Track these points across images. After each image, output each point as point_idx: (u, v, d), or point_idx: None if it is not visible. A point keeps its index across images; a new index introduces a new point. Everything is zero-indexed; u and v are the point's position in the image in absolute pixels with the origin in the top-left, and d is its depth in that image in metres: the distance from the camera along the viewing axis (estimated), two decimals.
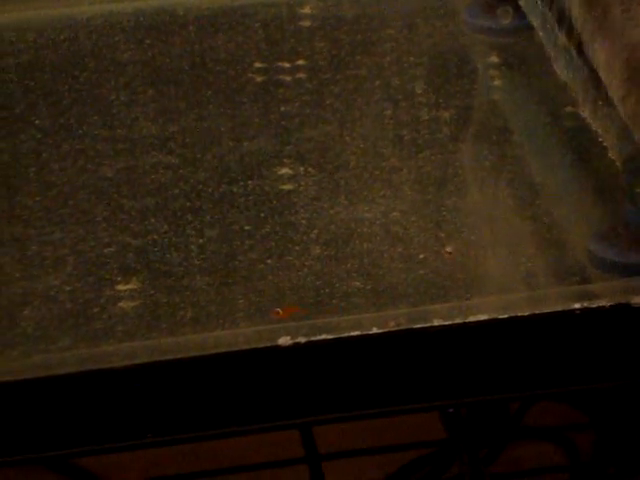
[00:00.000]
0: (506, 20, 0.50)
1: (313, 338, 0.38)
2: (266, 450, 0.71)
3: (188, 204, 0.44)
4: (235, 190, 0.44)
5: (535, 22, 0.48)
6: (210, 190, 0.44)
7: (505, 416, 0.82)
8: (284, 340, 0.38)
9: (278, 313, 0.38)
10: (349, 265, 0.42)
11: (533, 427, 0.81)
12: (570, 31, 0.41)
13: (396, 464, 0.78)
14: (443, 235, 0.43)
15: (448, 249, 0.40)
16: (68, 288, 0.41)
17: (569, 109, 0.46)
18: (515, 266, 0.42)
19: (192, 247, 0.42)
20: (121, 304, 0.40)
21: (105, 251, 0.42)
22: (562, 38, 0.44)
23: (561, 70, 0.45)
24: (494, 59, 0.50)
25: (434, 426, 0.82)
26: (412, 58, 0.50)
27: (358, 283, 0.41)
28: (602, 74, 0.39)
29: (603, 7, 0.38)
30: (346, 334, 0.38)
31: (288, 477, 0.72)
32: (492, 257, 0.42)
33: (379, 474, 0.77)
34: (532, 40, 0.49)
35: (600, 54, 0.38)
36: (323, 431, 0.67)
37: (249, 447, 0.72)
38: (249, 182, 0.45)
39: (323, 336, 0.38)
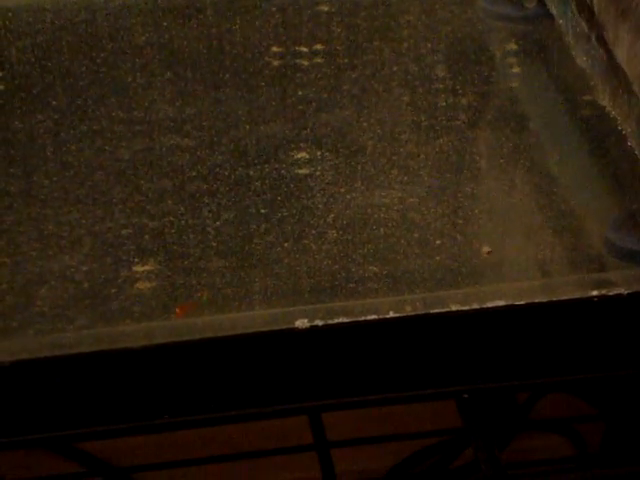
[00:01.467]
0: (525, 7, 0.50)
1: (330, 321, 0.38)
2: (275, 437, 0.72)
3: (205, 187, 0.44)
4: (251, 173, 0.44)
5: (554, 9, 0.48)
6: (226, 173, 0.44)
7: (513, 407, 0.82)
8: (301, 323, 0.38)
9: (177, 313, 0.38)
10: (365, 250, 0.42)
11: (541, 419, 0.81)
12: (590, 18, 0.41)
13: (405, 452, 0.78)
14: (460, 222, 0.43)
15: (486, 249, 0.40)
16: (85, 268, 0.41)
17: (588, 97, 0.46)
18: (533, 253, 0.42)
19: (209, 229, 0.42)
20: (138, 285, 0.40)
21: (122, 232, 0.42)
22: (582, 25, 0.43)
23: (580, 58, 0.45)
24: (512, 46, 0.50)
25: (445, 414, 0.82)
26: (430, 44, 0.50)
27: (374, 268, 0.41)
28: (623, 62, 0.38)
29: None
30: (363, 318, 0.38)
31: (297, 464, 0.72)
32: (509, 244, 0.42)
33: (388, 462, 0.77)
34: (551, 28, 0.49)
35: (623, 41, 0.38)
36: (333, 418, 0.67)
37: (259, 433, 0.71)
38: (265, 165, 0.45)
39: (340, 319, 0.38)
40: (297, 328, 0.38)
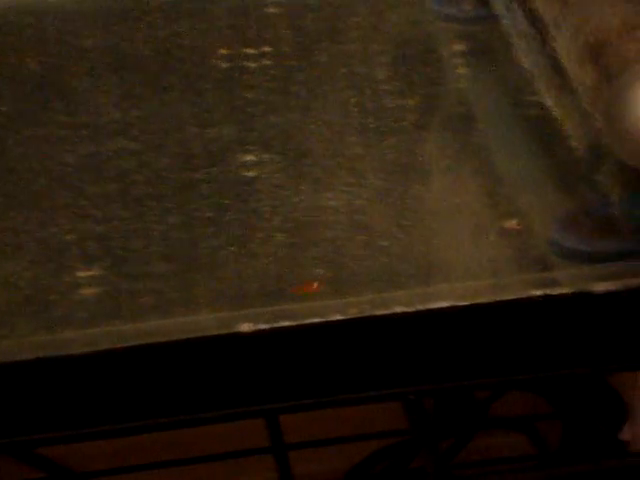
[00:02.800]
0: (473, 8, 0.50)
1: (275, 325, 0.38)
2: (231, 440, 0.71)
3: (150, 190, 0.43)
4: (198, 177, 0.44)
5: (500, 10, 0.48)
6: (173, 176, 0.44)
7: (472, 406, 0.82)
8: (246, 326, 0.38)
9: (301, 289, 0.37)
10: (312, 252, 0.42)
11: (501, 417, 0.81)
12: (533, 18, 0.41)
13: (365, 452, 0.78)
14: (407, 223, 0.43)
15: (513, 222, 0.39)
16: (28, 274, 0.40)
17: (533, 97, 0.46)
18: (478, 254, 0.42)
19: (154, 234, 0.42)
20: (82, 291, 0.40)
21: (66, 238, 0.41)
22: (525, 25, 0.44)
23: (525, 58, 0.45)
24: (460, 47, 0.50)
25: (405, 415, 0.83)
26: (378, 46, 0.50)
27: (321, 270, 0.41)
28: (564, 61, 0.39)
29: None
30: (308, 321, 0.38)
31: (254, 467, 0.71)
32: (455, 245, 0.43)
33: (347, 463, 0.77)
34: (497, 28, 0.49)
35: (562, 41, 0.39)
36: (291, 421, 0.67)
37: (214, 437, 0.71)
38: (212, 169, 0.45)
39: (285, 323, 0.38)
40: (242, 332, 0.38)
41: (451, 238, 0.43)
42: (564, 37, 0.39)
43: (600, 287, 0.38)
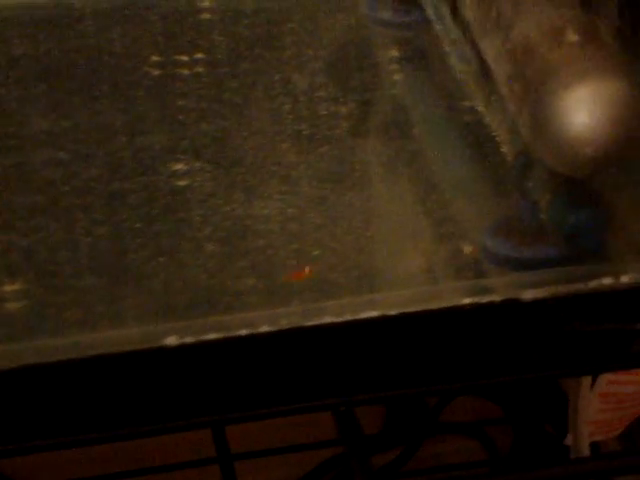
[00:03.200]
0: (407, 13, 0.50)
1: (201, 337, 0.38)
2: (178, 451, 0.71)
3: (78, 201, 0.43)
4: (127, 186, 0.43)
5: (433, 15, 0.48)
6: (101, 187, 0.43)
7: (423, 412, 0.82)
8: (171, 340, 0.37)
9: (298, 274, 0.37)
10: (243, 262, 0.41)
11: (451, 423, 0.81)
12: (463, 24, 0.41)
13: (313, 462, 0.78)
14: (339, 232, 0.42)
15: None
16: None
17: (466, 103, 0.46)
18: (410, 262, 0.42)
19: (81, 246, 0.41)
20: (6, 305, 0.39)
21: None
22: (456, 32, 0.43)
23: (457, 64, 0.45)
24: (394, 53, 0.50)
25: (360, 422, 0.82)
26: (312, 52, 0.50)
27: (252, 280, 0.40)
28: (493, 68, 0.38)
29: (492, 1, 0.38)
30: (235, 333, 0.38)
31: (200, 478, 0.71)
32: (388, 253, 0.42)
33: (295, 473, 0.77)
34: (431, 34, 0.49)
35: (490, 49, 0.38)
36: (238, 431, 0.66)
37: (161, 449, 0.71)
38: (142, 178, 0.44)
39: (211, 335, 0.38)
40: (167, 346, 0.37)
41: (384, 246, 0.42)
42: (493, 43, 0.39)
43: (529, 294, 0.37)
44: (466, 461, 0.78)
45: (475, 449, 0.78)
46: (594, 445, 0.64)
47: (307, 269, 0.38)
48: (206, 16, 0.52)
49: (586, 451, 0.56)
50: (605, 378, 0.58)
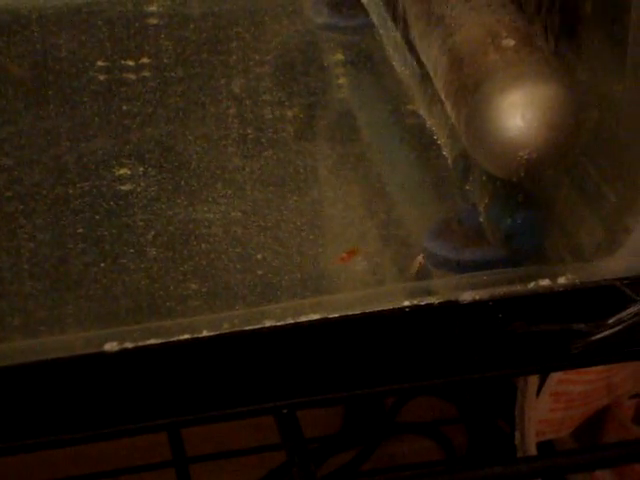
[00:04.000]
0: (352, 18, 0.50)
1: (141, 343, 0.38)
2: (133, 454, 0.71)
3: (21, 207, 0.43)
4: (71, 192, 0.43)
5: (376, 20, 0.48)
6: (44, 192, 0.43)
7: (380, 412, 0.82)
8: (110, 346, 0.37)
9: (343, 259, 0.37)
10: (186, 267, 0.41)
11: (408, 423, 0.82)
12: (404, 29, 0.41)
13: (272, 464, 0.78)
14: (283, 235, 0.43)
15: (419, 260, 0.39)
16: None
17: (410, 107, 0.46)
18: (353, 264, 0.42)
19: (23, 251, 0.41)
20: None
21: None
22: (398, 36, 0.44)
23: (399, 68, 0.45)
24: (339, 57, 0.50)
25: (316, 422, 0.82)
26: (258, 56, 0.50)
27: (194, 285, 0.40)
28: (432, 72, 0.39)
29: (431, 6, 0.38)
30: (175, 338, 0.38)
31: None
32: (331, 256, 0.42)
33: (250, 477, 0.77)
34: (375, 38, 0.49)
35: (429, 54, 0.39)
36: (195, 434, 0.66)
37: (114, 452, 0.71)
38: (85, 183, 0.44)
39: (151, 341, 0.38)
40: (106, 351, 0.37)
41: (326, 249, 0.43)
42: (431, 48, 0.39)
43: (467, 296, 0.38)
44: (423, 461, 0.78)
45: (432, 449, 0.79)
46: (548, 443, 0.64)
47: (351, 250, 0.38)
48: (153, 21, 0.52)
49: (533, 450, 0.56)
50: (555, 377, 0.59)
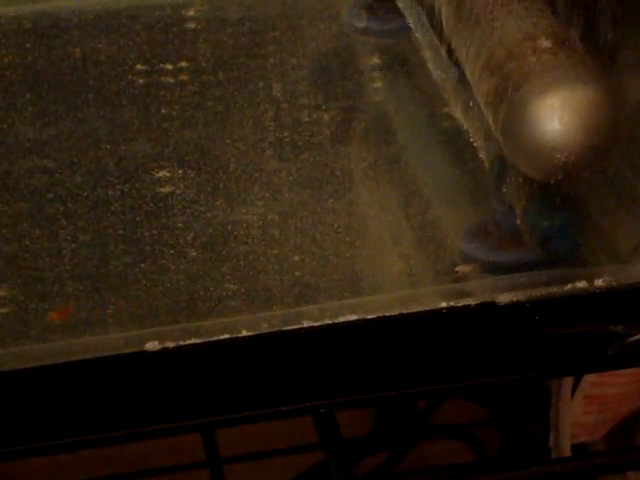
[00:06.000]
0: (388, 21, 0.50)
1: (181, 342, 0.38)
2: (168, 454, 0.71)
3: (62, 209, 0.43)
4: (111, 194, 0.44)
5: (412, 23, 0.48)
6: (85, 194, 0.44)
7: (413, 414, 0.82)
8: (152, 345, 0.38)
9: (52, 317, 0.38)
10: (225, 268, 0.42)
11: (440, 425, 0.82)
12: (441, 32, 0.42)
13: (304, 465, 0.78)
14: (320, 237, 0.43)
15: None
16: None
17: (446, 110, 0.46)
18: (391, 266, 0.42)
19: (65, 252, 0.42)
20: None
21: None
22: (434, 39, 0.44)
23: (435, 71, 0.46)
24: (375, 60, 0.50)
25: (345, 424, 0.83)
26: (295, 60, 0.50)
27: (233, 286, 0.41)
28: (469, 74, 0.39)
29: (469, 8, 0.39)
30: (215, 338, 0.38)
31: None
32: (368, 257, 0.43)
33: (284, 477, 0.77)
34: (411, 41, 0.49)
35: (467, 56, 0.39)
36: (229, 435, 0.67)
37: (150, 452, 0.71)
38: (126, 185, 0.44)
39: (192, 340, 0.38)
40: (148, 350, 0.38)
41: (364, 251, 0.43)
42: (469, 51, 0.39)
43: (504, 298, 0.38)
44: (454, 463, 0.78)
45: (464, 451, 0.79)
46: (581, 446, 0.64)
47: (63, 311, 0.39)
48: (191, 25, 0.52)
49: (567, 452, 0.56)
50: (589, 380, 0.59)
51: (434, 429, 0.78)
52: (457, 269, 0.40)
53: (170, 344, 0.38)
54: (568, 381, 0.56)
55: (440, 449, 0.78)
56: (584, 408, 0.61)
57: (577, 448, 0.63)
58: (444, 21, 0.42)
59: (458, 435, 0.78)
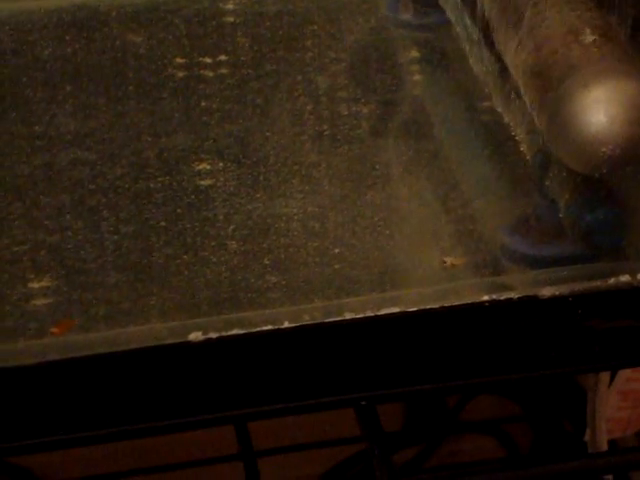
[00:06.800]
0: (427, 15, 0.50)
1: (224, 333, 0.38)
2: (201, 447, 0.71)
3: (104, 200, 0.44)
4: (152, 186, 0.44)
5: (452, 17, 0.48)
6: (127, 186, 0.44)
7: (443, 410, 0.82)
8: (195, 335, 0.38)
9: (54, 332, 0.38)
10: (265, 260, 0.42)
11: (470, 421, 0.82)
12: (482, 26, 0.42)
13: (336, 458, 0.79)
14: (360, 230, 0.43)
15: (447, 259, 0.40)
16: None
17: (486, 103, 0.46)
18: (431, 259, 0.42)
19: (107, 243, 0.42)
20: (34, 301, 0.40)
21: (19, 248, 0.42)
22: (476, 33, 0.44)
23: (476, 65, 0.46)
24: (414, 54, 0.50)
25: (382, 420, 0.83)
26: (333, 53, 0.50)
27: (274, 278, 0.41)
28: (512, 68, 0.39)
29: (511, 2, 0.39)
30: (257, 329, 0.38)
31: (224, 474, 0.72)
32: (408, 250, 0.43)
33: (317, 470, 0.77)
34: (450, 35, 0.49)
35: (509, 50, 0.39)
36: (261, 427, 0.67)
37: (184, 444, 0.71)
38: (167, 178, 0.45)
39: (235, 331, 0.38)
40: (191, 341, 0.38)
41: (403, 244, 0.43)
42: (511, 44, 0.39)
43: (547, 292, 0.38)
44: (484, 458, 0.78)
45: (494, 447, 0.79)
46: (612, 442, 0.64)
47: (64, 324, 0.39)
48: (229, 19, 0.53)
49: (604, 447, 0.56)
50: (624, 376, 0.59)
51: (465, 425, 0.78)
52: (445, 259, 0.40)
53: (213, 335, 0.38)
54: (605, 376, 0.55)
55: (470, 445, 0.78)
56: (618, 404, 0.61)
57: (609, 444, 0.63)
58: (486, 14, 0.42)
59: (488, 431, 0.78)
